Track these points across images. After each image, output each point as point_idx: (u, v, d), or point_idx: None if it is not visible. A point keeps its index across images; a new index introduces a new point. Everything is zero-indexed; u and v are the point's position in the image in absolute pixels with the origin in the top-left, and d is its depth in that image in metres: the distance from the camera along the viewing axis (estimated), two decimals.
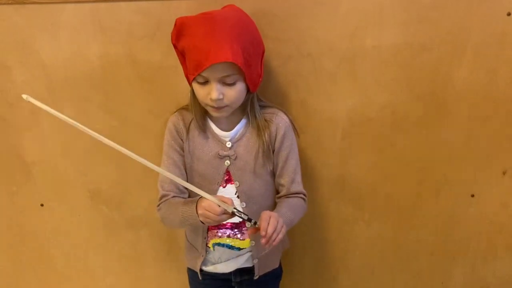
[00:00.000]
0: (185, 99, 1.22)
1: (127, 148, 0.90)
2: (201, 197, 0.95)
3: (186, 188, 1.06)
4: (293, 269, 1.43)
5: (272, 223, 0.92)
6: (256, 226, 0.94)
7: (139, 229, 1.42)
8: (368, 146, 1.27)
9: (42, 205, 1.40)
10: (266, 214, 0.94)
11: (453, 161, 1.27)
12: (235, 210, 0.92)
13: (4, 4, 1.16)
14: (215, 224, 0.96)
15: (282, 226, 0.93)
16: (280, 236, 0.93)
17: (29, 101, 0.82)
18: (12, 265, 1.50)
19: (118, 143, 1.27)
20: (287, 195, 1.10)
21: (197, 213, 0.96)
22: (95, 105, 1.26)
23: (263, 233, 0.91)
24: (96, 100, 1.26)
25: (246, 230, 1.10)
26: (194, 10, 1.10)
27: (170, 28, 1.15)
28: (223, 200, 0.92)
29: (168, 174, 0.94)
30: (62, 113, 1.25)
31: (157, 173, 1.06)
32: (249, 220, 0.94)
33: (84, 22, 1.17)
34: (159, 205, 1.08)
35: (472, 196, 1.31)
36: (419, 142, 1.26)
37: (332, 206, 1.35)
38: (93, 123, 1.28)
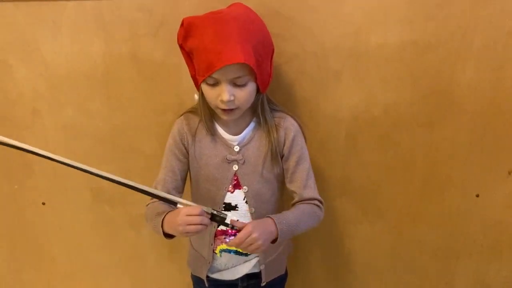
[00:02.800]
0: (188, 98, 1.22)
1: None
2: (172, 210, 0.94)
3: (182, 192, 1.08)
4: (298, 270, 1.42)
5: (240, 237, 0.90)
6: (235, 229, 0.93)
7: (141, 228, 1.42)
8: (372, 145, 1.26)
9: (43, 203, 1.39)
10: (248, 227, 0.91)
11: (458, 161, 1.26)
12: (214, 211, 0.90)
13: (5, 1, 1.15)
14: (197, 232, 0.88)
15: (255, 239, 0.90)
16: (253, 247, 0.90)
17: None
18: (14, 263, 1.50)
19: (119, 142, 1.29)
20: (300, 202, 1.05)
21: (162, 226, 0.95)
22: (97, 103, 1.25)
23: (236, 243, 0.91)
24: (98, 98, 1.25)
25: None
26: (196, 8, 1.10)
27: (173, 25, 1.14)
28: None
29: (149, 190, 0.92)
30: (64, 111, 1.26)
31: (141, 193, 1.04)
32: (226, 224, 0.92)
33: (86, 20, 1.16)
34: (147, 204, 1.06)
35: (477, 196, 1.30)
36: (424, 141, 1.25)
37: (336, 205, 1.34)
38: (94, 121, 1.27)
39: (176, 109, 1.24)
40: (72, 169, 1.33)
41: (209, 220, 0.90)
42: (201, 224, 0.88)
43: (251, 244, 0.90)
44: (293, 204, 1.07)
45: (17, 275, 1.52)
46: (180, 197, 1.05)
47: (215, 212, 0.90)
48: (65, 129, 1.29)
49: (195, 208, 0.89)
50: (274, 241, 0.96)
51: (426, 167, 1.28)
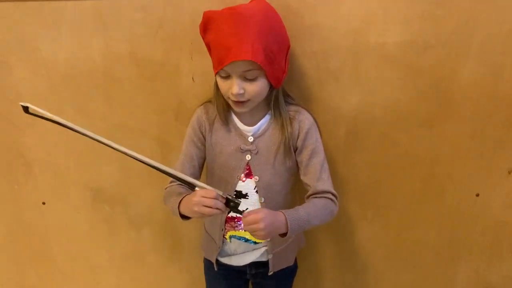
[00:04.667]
0: (187, 97, 1.22)
1: (127, 148, 0.90)
2: (190, 193, 0.96)
3: (199, 179, 1.10)
4: (300, 268, 1.42)
5: (248, 221, 0.93)
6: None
7: (141, 227, 1.42)
8: (372, 144, 1.26)
9: (43, 203, 1.40)
10: (259, 214, 0.93)
11: (458, 160, 1.26)
12: (229, 196, 0.92)
13: (5, 1, 1.15)
14: (210, 215, 0.92)
15: (259, 229, 0.92)
16: (255, 234, 0.93)
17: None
18: (14, 263, 1.50)
19: (119, 142, 1.28)
20: (314, 195, 1.06)
21: (179, 208, 0.99)
22: (96, 103, 1.25)
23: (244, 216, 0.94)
24: (98, 98, 1.25)
25: None
26: (196, 8, 1.10)
27: (172, 25, 1.15)
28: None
29: (169, 170, 0.94)
30: (64, 111, 1.27)
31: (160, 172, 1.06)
32: (240, 212, 0.95)
33: (86, 20, 1.16)
34: (166, 188, 1.10)
35: (477, 195, 1.30)
36: (423, 141, 1.25)
37: None
38: (94, 121, 1.27)
39: (175, 108, 1.24)
40: (72, 168, 1.34)
41: (224, 205, 0.92)
42: (215, 208, 0.91)
43: (254, 231, 0.92)
44: (308, 197, 1.07)
45: (17, 274, 1.52)
46: None
47: (229, 197, 0.92)
48: (65, 129, 1.29)
49: (211, 191, 0.92)
50: (284, 235, 0.98)
51: (426, 166, 1.27)
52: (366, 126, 1.24)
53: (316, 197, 1.06)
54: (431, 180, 1.29)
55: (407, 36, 1.13)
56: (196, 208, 0.92)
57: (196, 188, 0.95)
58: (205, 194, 0.91)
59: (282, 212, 0.98)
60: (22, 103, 0.88)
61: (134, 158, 0.93)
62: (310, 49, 1.16)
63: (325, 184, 1.06)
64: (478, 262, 1.39)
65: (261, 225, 0.91)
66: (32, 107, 0.89)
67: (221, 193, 0.92)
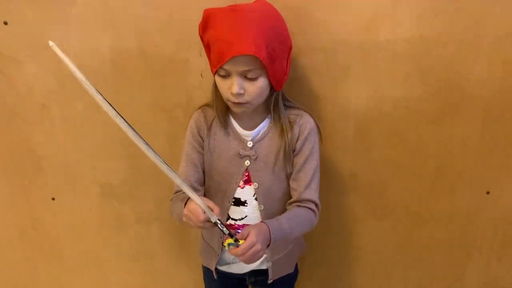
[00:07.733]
0: (196, 93, 1.22)
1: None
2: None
3: (204, 185, 1.10)
4: (306, 267, 1.42)
5: (248, 250, 0.88)
6: (237, 243, 0.90)
7: (150, 224, 1.42)
8: (381, 141, 1.25)
9: (53, 199, 1.41)
10: (252, 237, 0.88)
11: (468, 158, 1.25)
12: (218, 222, 0.89)
13: None
14: (197, 229, 0.92)
15: (259, 250, 0.88)
16: (255, 258, 0.89)
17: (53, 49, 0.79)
18: (23, 258, 1.51)
19: (128, 138, 1.29)
20: (297, 202, 1.04)
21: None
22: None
23: (239, 254, 0.88)
24: (106, 93, 1.23)
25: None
26: (204, 4, 1.10)
27: (180, 21, 1.15)
28: (210, 206, 0.89)
29: (173, 175, 0.89)
30: (73, 107, 1.27)
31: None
32: (230, 235, 0.91)
33: (95, 16, 1.17)
34: (171, 199, 1.07)
35: (488, 193, 1.29)
36: (433, 138, 1.24)
37: (345, 202, 1.33)
38: (103, 117, 1.27)
39: (184, 105, 1.24)
40: (81, 165, 1.35)
41: (210, 225, 0.90)
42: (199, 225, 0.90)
43: (253, 255, 0.88)
44: (291, 203, 1.05)
45: (27, 269, 1.53)
46: (203, 189, 1.09)
47: (218, 225, 0.89)
48: (74, 125, 1.30)
49: (199, 214, 0.88)
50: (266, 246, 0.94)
51: (435, 163, 1.27)
52: (375, 123, 1.23)
53: (299, 206, 1.03)
54: (440, 177, 1.28)
55: (417, 32, 1.13)
56: (184, 219, 0.92)
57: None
58: (194, 214, 0.89)
59: (266, 223, 0.94)
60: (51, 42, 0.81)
61: (149, 150, 0.91)
62: (319, 45, 1.15)
63: (312, 193, 1.04)
64: (488, 259, 1.38)
65: (259, 246, 0.88)
66: (56, 49, 0.81)
67: (211, 217, 0.88)
